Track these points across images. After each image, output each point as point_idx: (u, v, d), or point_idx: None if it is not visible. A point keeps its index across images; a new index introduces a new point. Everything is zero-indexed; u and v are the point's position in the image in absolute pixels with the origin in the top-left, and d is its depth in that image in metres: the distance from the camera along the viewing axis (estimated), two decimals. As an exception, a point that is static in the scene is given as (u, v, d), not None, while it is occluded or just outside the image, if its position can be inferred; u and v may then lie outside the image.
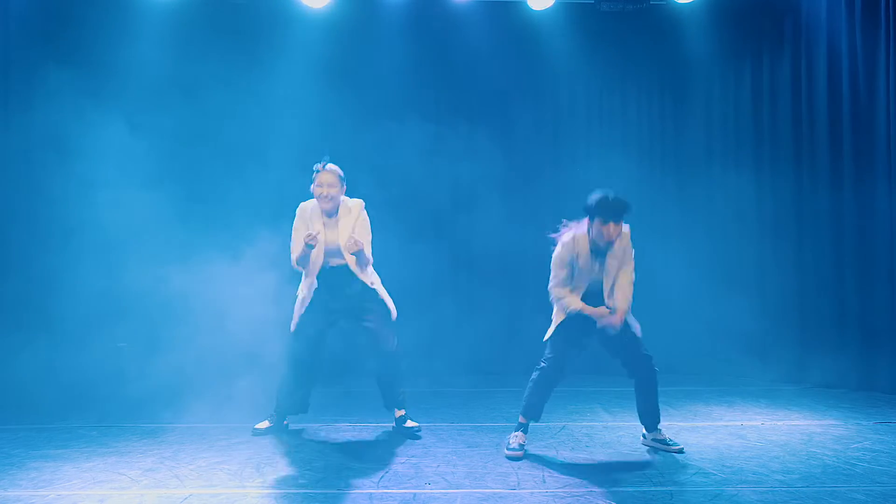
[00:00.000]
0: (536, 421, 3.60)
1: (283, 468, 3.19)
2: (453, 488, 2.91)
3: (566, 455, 3.44)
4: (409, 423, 3.85)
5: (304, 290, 3.74)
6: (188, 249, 4.73)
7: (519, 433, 3.49)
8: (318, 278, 3.69)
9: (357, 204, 3.76)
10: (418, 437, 3.75)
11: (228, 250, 4.66)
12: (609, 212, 3.31)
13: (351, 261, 3.65)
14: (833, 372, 5.12)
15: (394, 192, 5.51)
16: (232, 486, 2.91)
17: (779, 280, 5.56)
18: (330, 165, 3.69)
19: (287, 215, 3.86)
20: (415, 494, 2.82)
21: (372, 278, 3.78)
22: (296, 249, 3.64)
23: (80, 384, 4.59)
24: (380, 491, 2.87)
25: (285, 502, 2.73)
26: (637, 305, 3.59)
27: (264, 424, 3.82)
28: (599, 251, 3.43)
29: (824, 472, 3.13)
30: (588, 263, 3.43)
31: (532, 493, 2.85)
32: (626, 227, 3.45)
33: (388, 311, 3.79)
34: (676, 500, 2.75)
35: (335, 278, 3.70)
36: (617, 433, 3.90)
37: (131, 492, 2.85)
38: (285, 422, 3.88)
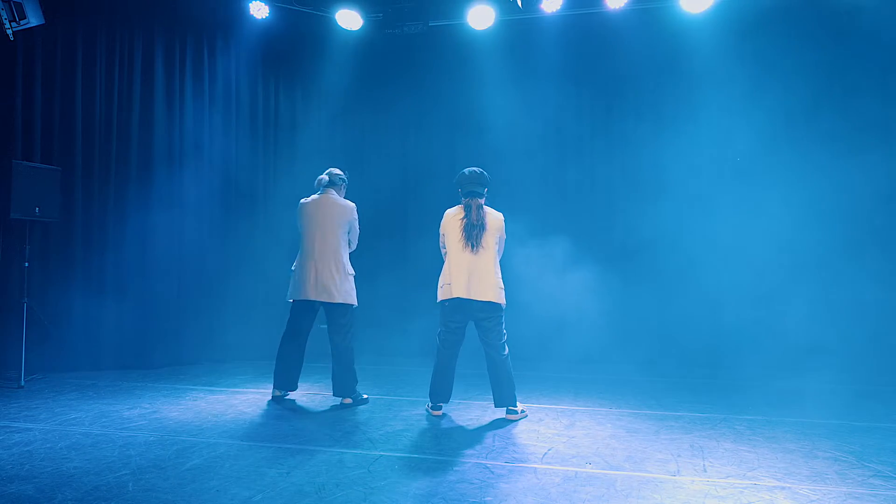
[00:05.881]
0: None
1: (458, 441, 3.44)
2: (613, 470, 2.96)
3: (728, 446, 3.33)
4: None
5: None
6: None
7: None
8: None
9: None
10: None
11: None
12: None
13: None
14: None
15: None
16: (413, 452, 3.22)
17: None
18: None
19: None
20: (576, 472, 2.90)
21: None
22: None
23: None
24: (543, 466, 2.99)
25: (461, 471, 2.97)
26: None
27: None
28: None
29: None
30: None
31: (693, 480, 2.81)
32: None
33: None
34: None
35: None
36: (781, 429, 3.70)
37: (333, 450, 3.26)
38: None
